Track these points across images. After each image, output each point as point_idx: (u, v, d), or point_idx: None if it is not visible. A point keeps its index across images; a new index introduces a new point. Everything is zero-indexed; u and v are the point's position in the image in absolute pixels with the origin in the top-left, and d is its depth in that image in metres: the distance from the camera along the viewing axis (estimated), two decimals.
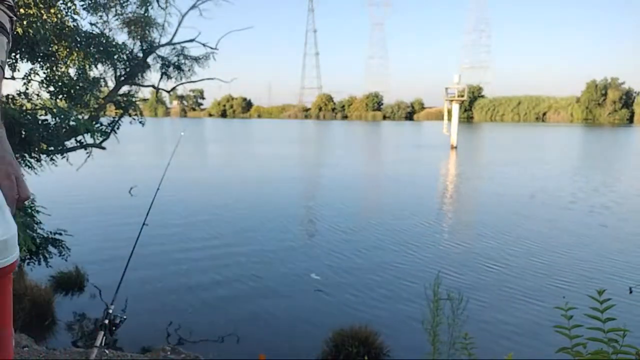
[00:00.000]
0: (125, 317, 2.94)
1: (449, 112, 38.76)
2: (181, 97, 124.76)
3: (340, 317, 6.85)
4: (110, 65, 9.29)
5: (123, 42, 9.14)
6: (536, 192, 17.85)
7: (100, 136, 8.75)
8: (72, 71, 8.18)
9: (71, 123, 7.02)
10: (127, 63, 9.91)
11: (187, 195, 16.84)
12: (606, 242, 11.14)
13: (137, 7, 9.48)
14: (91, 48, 8.16)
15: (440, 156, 33.01)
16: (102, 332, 2.84)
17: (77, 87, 7.92)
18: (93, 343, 2.85)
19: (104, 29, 8.99)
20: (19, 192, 0.88)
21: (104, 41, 8.37)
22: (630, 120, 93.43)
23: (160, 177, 4.53)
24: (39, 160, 7.60)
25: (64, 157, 8.44)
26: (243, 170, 25.72)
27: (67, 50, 7.83)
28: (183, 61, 10.66)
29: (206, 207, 15.11)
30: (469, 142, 46.10)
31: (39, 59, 7.58)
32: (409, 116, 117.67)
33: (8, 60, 5.57)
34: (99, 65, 8.92)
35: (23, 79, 7.67)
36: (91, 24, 8.68)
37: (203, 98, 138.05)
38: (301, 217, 14.20)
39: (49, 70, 7.81)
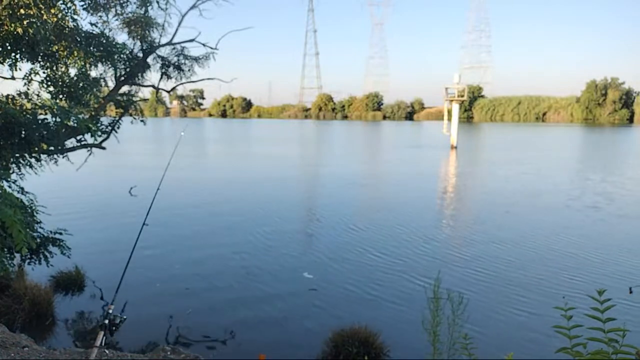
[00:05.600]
0: (125, 317, 2.95)
1: (449, 112, 38.76)
2: (181, 97, 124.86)
3: (340, 317, 6.86)
4: (110, 65, 9.27)
5: (123, 42, 9.14)
6: (537, 192, 17.86)
7: (100, 136, 8.74)
8: (72, 71, 8.17)
9: (71, 122, 7.01)
10: (127, 63, 9.90)
11: (186, 195, 16.83)
12: (608, 241, 11.12)
13: (137, 7, 9.47)
14: (91, 48, 8.15)
15: (440, 156, 33.02)
16: (102, 332, 2.84)
17: (78, 87, 7.92)
18: (93, 343, 2.85)
19: (104, 29, 8.98)
20: None
21: (104, 41, 8.36)
22: (630, 120, 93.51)
23: (160, 177, 4.54)
24: (39, 160, 7.60)
25: (64, 156, 8.43)
26: (242, 170, 25.71)
27: (67, 50, 7.81)
28: (183, 61, 10.65)
29: (206, 207, 15.11)
30: (469, 142, 46.11)
31: (39, 59, 7.57)
32: (409, 116, 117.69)
33: (8, 60, 5.50)
34: (99, 65, 8.90)
35: (23, 79, 7.66)
36: (91, 24, 8.66)
37: (203, 98, 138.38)
38: (302, 217, 14.20)
39: (49, 70, 7.80)
